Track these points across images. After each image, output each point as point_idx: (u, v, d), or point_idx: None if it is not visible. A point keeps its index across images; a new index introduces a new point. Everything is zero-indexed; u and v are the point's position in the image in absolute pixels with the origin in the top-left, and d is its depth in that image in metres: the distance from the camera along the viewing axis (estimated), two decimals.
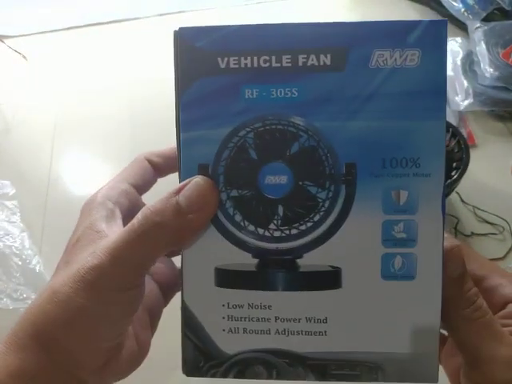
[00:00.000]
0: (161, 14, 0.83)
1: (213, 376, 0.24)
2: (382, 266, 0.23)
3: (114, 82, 0.74)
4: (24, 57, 0.77)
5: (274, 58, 0.23)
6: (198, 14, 0.85)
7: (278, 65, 0.23)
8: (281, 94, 0.23)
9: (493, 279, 0.25)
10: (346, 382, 0.24)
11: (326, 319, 0.24)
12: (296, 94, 0.23)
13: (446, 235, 0.25)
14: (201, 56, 0.23)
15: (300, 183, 0.23)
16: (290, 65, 0.23)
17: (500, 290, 0.25)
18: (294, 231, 0.24)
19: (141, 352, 0.25)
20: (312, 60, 0.23)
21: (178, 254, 0.25)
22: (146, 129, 0.65)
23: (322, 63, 0.23)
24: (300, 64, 0.23)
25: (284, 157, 0.23)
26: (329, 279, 0.24)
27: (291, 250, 0.24)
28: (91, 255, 0.22)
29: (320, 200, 0.23)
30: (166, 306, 0.28)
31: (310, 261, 0.24)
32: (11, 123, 0.70)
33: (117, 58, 0.78)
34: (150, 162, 0.28)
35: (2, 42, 0.78)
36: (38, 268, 0.54)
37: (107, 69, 0.77)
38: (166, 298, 0.28)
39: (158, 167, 0.28)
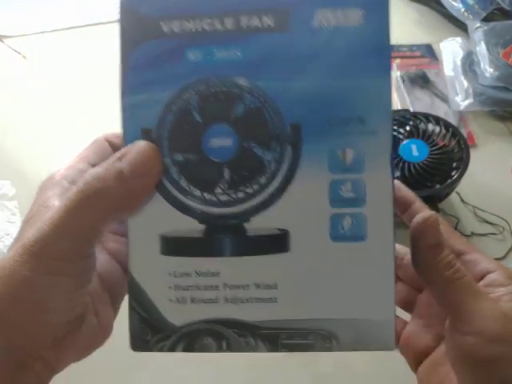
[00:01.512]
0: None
1: (160, 350, 0.23)
2: (331, 227, 0.23)
3: (114, 82, 0.74)
4: (24, 57, 0.77)
5: (216, 20, 0.23)
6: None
7: (221, 27, 0.23)
8: (224, 55, 0.23)
9: (471, 254, 0.27)
10: (299, 351, 0.23)
11: (276, 285, 0.23)
12: (240, 55, 0.23)
13: (422, 207, 0.25)
14: (143, 21, 0.23)
15: (245, 145, 0.23)
16: (233, 27, 0.23)
17: (478, 262, 0.26)
18: (240, 194, 0.23)
19: (102, 330, 0.25)
20: (255, 21, 0.23)
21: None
22: None
23: (265, 24, 0.23)
24: (243, 26, 0.23)
25: (229, 119, 0.23)
26: (276, 242, 0.23)
27: (238, 214, 0.23)
28: (36, 227, 0.22)
29: (266, 162, 0.23)
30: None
31: (257, 225, 0.23)
32: (11, 123, 0.70)
33: (117, 58, 0.78)
34: (109, 142, 0.28)
35: (2, 42, 0.78)
36: None
37: (107, 69, 0.77)
38: (127, 273, 0.28)
39: (117, 148, 0.27)
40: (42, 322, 0.22)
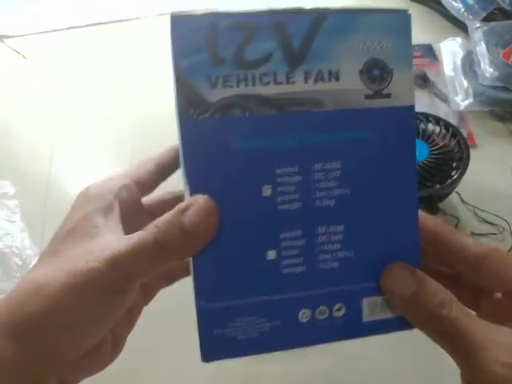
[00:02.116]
0: (161, 14, 0.83)
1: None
2: None
3: (114, 82, 0.74)
4: (24, 57, 0.77)
5: None
6: None
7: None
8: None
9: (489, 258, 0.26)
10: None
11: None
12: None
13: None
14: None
15: None
16: None
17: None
18: None
19: (115, 349, 0.25)
20: None
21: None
22: (147, 128, 0.66)
23: None
24: None
25: None
26: None
27: None
28: (88, 256, 0.22)
29: None
30: (146, 304, 0.28)
31: None
32: (11, 123, 0.70)
33: (117, 58, 0.78)
34: (156, 162, 0.28)
35: (2, 42, 0.78)
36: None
37: (107, 69, 0.77)
38: (147, 296, 0.28)
39: (162, 167, 0.28)
40: (72, 345, 0.22)
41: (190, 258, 0.24)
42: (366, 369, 0.46)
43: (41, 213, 0.59)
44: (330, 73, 0.24)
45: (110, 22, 0.83)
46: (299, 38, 0.24)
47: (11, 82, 0.76)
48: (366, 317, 0.26)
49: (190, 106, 0.24)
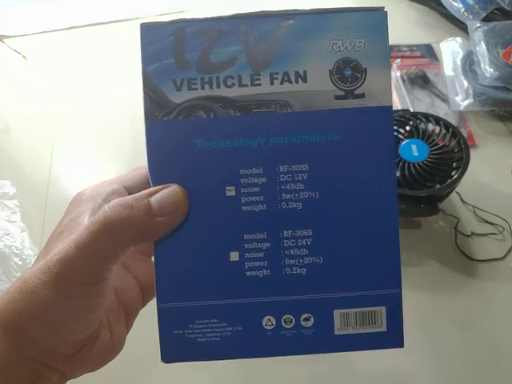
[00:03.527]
0: (161, 14, 0.83)
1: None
2: None
3: (114, 82, 0.74)
4: (24, 57, 0.77)
5: None
6: (198, 15, 0.85)
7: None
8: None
9: None
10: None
11: None
12: None
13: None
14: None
15: None
16: None
17: None
18: None
19: (114, 345, 0.26)
20: None
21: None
22: None
23: None
24: None
25: None
26: None
27: None
28: (61, 248, 0.22)
29: None
30: (143, 306, 0.28)
31: None
32: (11, 123, 0.70)
33: (117, 58, 0.78)
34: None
35: (2, 42, 0.78)
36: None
37: (108, 69, 0.77)
38: (145, 298, 0.28)
39: None
40: (58, 340, 0.23)
41: (154, 256, 0.24)
42: (366, 369, 0.46)
43: (41, 213, 0.59)
44: (296, 74, 0.24)
45: (110, 22, 0.83)
46: (264, 40, 0.24)
47: (11, 82, 0.76)
48: (338, 330, 0.25)
49: (156, 107, 0.24)
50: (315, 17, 0.24)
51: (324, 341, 0.25)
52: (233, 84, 0.24)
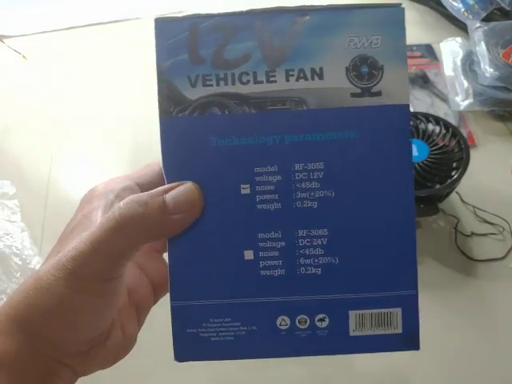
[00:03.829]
0: (161, 14, 0.83)
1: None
2: None
3: (114, 82, 0.74)
4: (24, 57, 0.77)
5: None
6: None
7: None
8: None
9: None
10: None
11: None
12: None
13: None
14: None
15: None
16: None
17: None
18: None
19: (126, 343, 0.25)
20: None
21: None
22: (148, 127, 0.65)
23: None
24: None
25: None
26: None
27: None
28: (75, 244, 0.22)
29: None
30: (154, 303, 0.28)
31: None
32: (11, 123, 0.70)
33: (117, 58, 0.78)
34: (160, 165, 0.28)
35: (2, 42, 0.78)
36: (38, 268, 0.54)
37: (108, 69, 0.77)
38: (156, 296, 0.28)
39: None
40: (71, 337, 0.23)
41: (168, 254, 0.24)
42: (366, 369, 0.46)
43: (41, 213, 0.59)
44: (312, 71, 0.24)
45: (110, 22, 0.83)
46: (280, 37, 0.24)
47: (11, 82, 0.76)
48: (353, 331, 0.24)
49: (171, 104, 0.24)
50: (331, 13, 0.24)
51: (339, 342, 0.24)
52: (248, 81, 0.24)
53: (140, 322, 0.27)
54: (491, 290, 0.51)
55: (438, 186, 0.51)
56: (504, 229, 0.55)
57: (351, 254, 0.24)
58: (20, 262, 0.54)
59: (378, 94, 0.24)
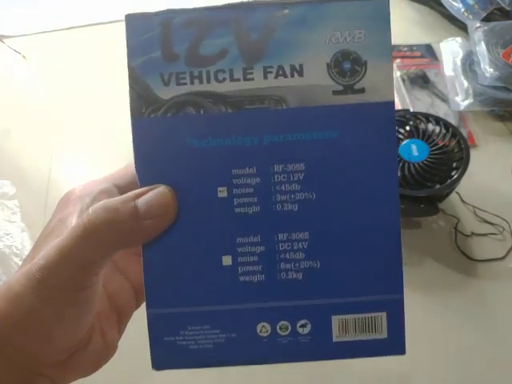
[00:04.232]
0: None
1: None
2: None
3: (114, 82, 0.74)
4: (24, 57, 0.77)
5: None
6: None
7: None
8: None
9: None
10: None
11: None
12: None
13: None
14: None
15: None
16: None
17: None
18: None
19: (107, 349, 0.25)
20: None
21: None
22: None
23: None
24: None
25: None
26: None
27: None
28: (44, 253, 0.21)
29: None
30: (137, 308, 0.27)
31: None
32: (11, 123, 0.70)
33: (117, 58, 0.78)
34: None
35: (2, 42, 0.78)
36: None
37: (108, 69, 0.77)
38: (138, 300, 0.27)
39: None
40: (46, 348, 0.22)
41: (142, 260, 0.23)
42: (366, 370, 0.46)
43: (41, 213, 0.59)
44: (292, 68, 0.23)
45: (110, 22, 0.83)
46: (257, 32, 0.22)
47: (11, 82, 0.76)
48: (337, 337, 0.24)
49: (142, 104, 0.23)
50: (312, 6, 0.22)
51: (322, 348, 0.24)
52: (224, 78, 0.23)
53: (121, 328, 0.26)
54: (491, 290, 0.51)
55: (437, 186, 0.51)
56: (504, 229, 0.55)
57: (333, 257, 0.23)
58: (20, 262, 0.54)
59: (361, 90, 0.23)
